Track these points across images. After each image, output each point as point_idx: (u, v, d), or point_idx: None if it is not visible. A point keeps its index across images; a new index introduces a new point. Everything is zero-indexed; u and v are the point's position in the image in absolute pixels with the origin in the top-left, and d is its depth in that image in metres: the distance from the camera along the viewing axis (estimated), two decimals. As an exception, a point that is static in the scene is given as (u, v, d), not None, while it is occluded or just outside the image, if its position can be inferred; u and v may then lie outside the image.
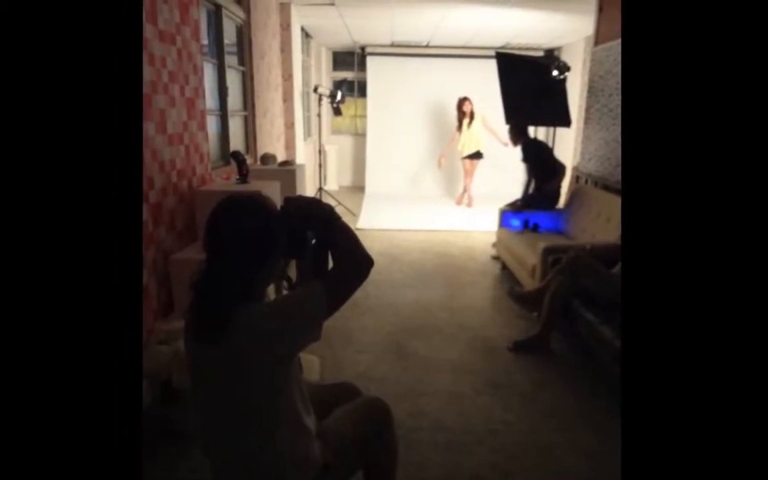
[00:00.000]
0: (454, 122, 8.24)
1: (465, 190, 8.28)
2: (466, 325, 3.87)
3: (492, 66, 5.45)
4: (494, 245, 5.46)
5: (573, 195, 4.91)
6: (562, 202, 5.22)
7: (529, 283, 3.99)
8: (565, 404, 2.89)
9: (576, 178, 5.33)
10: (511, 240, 4.76)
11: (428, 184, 9.21)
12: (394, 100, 9.10)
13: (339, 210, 7.10)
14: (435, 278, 4.92)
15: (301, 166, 5.83)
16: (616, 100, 4.51)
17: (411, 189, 9.16)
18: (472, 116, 7.95)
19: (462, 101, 8.08)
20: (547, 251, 3.75)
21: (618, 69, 4.51)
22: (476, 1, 5.93)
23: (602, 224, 4.09)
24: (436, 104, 9.14)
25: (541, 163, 5.15)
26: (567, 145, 7.81)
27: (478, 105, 7.95)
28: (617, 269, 3.24)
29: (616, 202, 4.02)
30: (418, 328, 3.80)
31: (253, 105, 5.68)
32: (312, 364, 3.08)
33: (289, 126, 7.27)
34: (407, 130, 9.19)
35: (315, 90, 7.08)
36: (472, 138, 8.00)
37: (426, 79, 9.07)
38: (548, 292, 3.36)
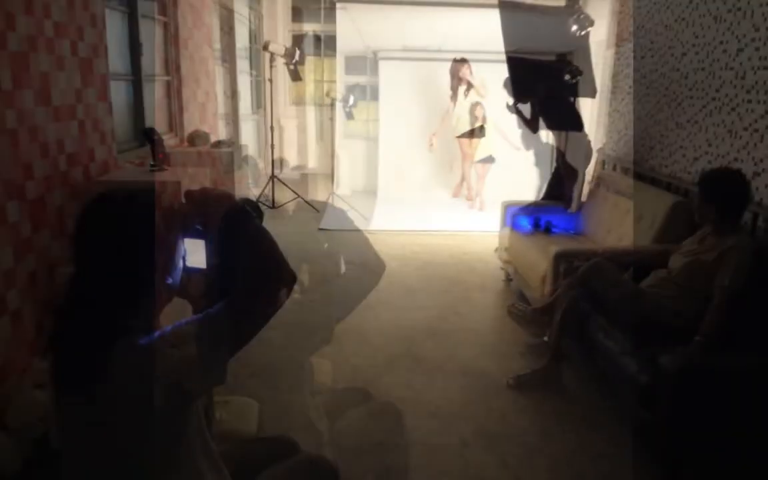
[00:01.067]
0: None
1: (476, 193, 8.24)
2: (478, 328, 3.86)
3: (503, 70, 5.45)
4: (496, 250, 5.13)
5: (586, 198, 4.88)
6: (574, 206, 5.18)
7: (540, 292, 3.70)
8: (575, 407, 2.88)
9: (588, 181, 5.30)
10: (520, 243, 4.45)
11: (440, 187, 9.19)
12: (405, 104, 9.09)
13: (351, 214, 7.10)
14: (447, 281, 4.90)
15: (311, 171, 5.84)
16: (629, 103, 4.48)
17: (423, 192, 9.15)
18: (469, 85, 7.27)
19: (457, 65, 7.07)
20: (559, 257, 3.42)
21: (630, 71, 4.48)
22: (488, 6, 5.93)
23: (615, 227, 4.05)
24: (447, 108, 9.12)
25: (552, 167, 5.13)
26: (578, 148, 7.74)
27: (489, 109, 7.90)
28: (629, 274, 3.19)
29: (628, 205, 3.97)
30: (429, 330, 3.78)
31: (265, 109, 5.72)
32: (323, 367, 3.08)
33: (302, 130, 7.31)
34: (419, 133, 9.18)
35: (327, 94, 7.12)
36: (468, 112, 7.42)
37: (438, 84, 9.05)
38: (557, 310, 2.98)
